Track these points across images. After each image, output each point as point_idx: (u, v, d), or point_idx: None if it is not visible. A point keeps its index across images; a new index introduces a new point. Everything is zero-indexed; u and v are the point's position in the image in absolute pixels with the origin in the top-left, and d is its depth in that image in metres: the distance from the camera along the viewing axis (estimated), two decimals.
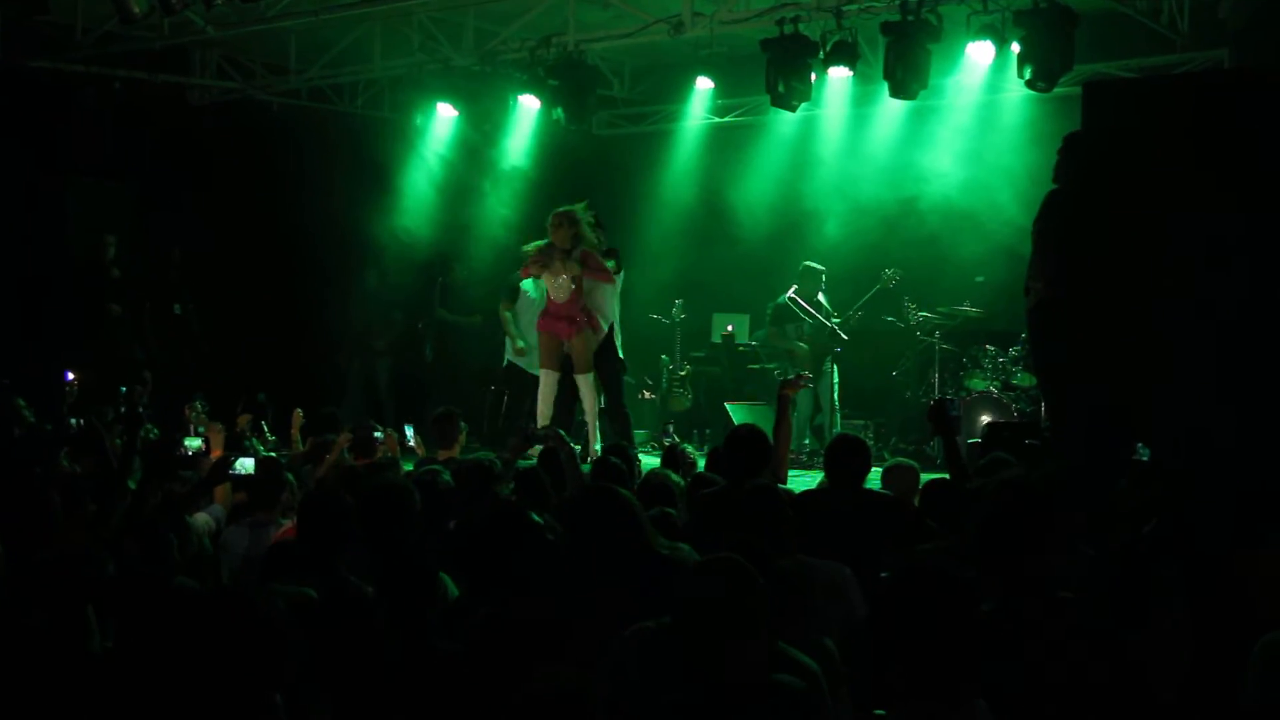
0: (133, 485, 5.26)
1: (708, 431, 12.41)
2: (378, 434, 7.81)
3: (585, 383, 9.74)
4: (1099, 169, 6.56)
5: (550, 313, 9.80)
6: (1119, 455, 6.34)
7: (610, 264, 9.93)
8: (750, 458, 5.39)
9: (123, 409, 7.46)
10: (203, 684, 2.60)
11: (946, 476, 5.63)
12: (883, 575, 5.05)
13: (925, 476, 6.45)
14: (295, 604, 3.20)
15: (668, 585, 3.97)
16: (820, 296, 11.57)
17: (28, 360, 10.78)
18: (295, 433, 8.58)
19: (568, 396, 9.91)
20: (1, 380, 8.52)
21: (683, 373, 12.70)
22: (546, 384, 9.70)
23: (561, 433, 6.91)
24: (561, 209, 9.74)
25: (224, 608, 2.69)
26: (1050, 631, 2.99)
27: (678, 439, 11.29)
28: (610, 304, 10.04)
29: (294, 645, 2.71)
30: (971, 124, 11.94)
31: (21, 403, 8.24)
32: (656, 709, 2.89)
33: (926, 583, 2.58)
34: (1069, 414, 6.43)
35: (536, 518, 4.08)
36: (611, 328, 10.04)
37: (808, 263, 11.65)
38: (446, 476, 5.50)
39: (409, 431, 8.39)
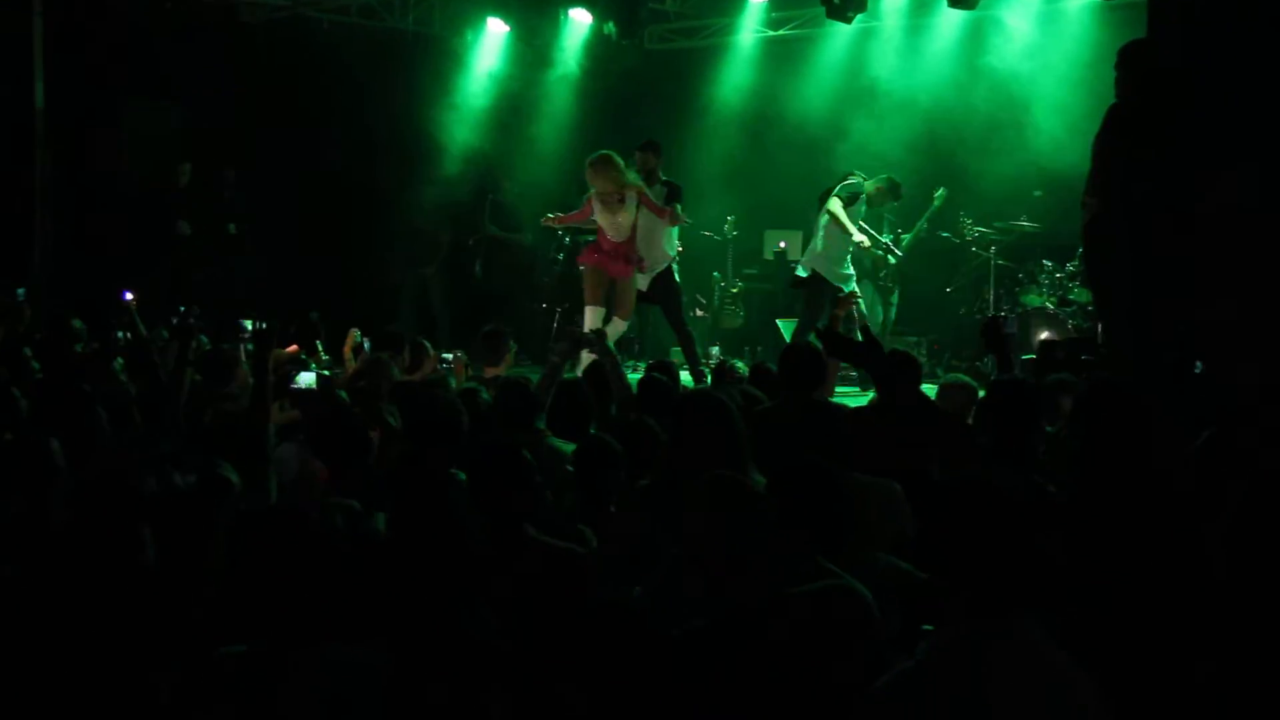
0: None
1: (759, 349, 12.34)
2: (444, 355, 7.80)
3: (616, 326, 9.60)
4: (1161, 79, 6.38)
5: (604, 250, 9.70)
6: (1174, 369, 6.24)
7: (679, 208, 9.81)
8: (804, 374, 5.33)
9: (174, 321, 7.52)
10: (254, 602, 2.62)
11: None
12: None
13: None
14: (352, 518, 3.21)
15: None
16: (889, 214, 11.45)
17: (87, 280, 10.92)
18: (348, 352, 8.62)
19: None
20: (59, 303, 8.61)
21: (735, 290, 12.62)
22: (591, 321, 9.59)
23: (609, 344, 6.90)
24: (591, 157, 9.57)
25: (274, 526, 2.70)
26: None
27: (724, 357, 11.26)
28: (671, 239, 9.94)
29: (350, 562, 2.72)
30: (1032, 35, 11.63)
31: (78, 323, 8.32)
32: (677, 640, 2.90)
33: (975, 495, 2.54)
34: (1124, 330, 6.32)
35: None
36: (672, 264, 9.97)
37: (855, 173, 11.46)
38: (485, 395, 5.49)
39: (448, 354, 8.39)
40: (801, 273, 10.45)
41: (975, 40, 11.96)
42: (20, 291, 8.63)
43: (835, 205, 10.12)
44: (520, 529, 3.74)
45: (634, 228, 9.58)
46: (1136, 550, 2.81)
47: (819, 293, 10.09)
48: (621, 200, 9.48)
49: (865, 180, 10.52)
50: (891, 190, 10.71)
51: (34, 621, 3.16)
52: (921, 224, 11.57)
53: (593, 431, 5.50)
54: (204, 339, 8.18)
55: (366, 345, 8.23)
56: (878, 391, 5.11)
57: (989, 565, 2.50)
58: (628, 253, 9.63)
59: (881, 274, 11.61)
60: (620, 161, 9.52)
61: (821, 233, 10.25)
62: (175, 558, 3.10)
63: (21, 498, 3.88)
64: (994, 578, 2.50)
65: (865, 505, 4.37)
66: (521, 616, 2.92)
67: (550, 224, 10.25)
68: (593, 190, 9.61)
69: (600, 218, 9.65)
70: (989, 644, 2.48)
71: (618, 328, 9.56)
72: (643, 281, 9.83)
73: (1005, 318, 5.39)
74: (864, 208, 10.61)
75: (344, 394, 6.49)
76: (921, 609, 3.67)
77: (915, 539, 4.43)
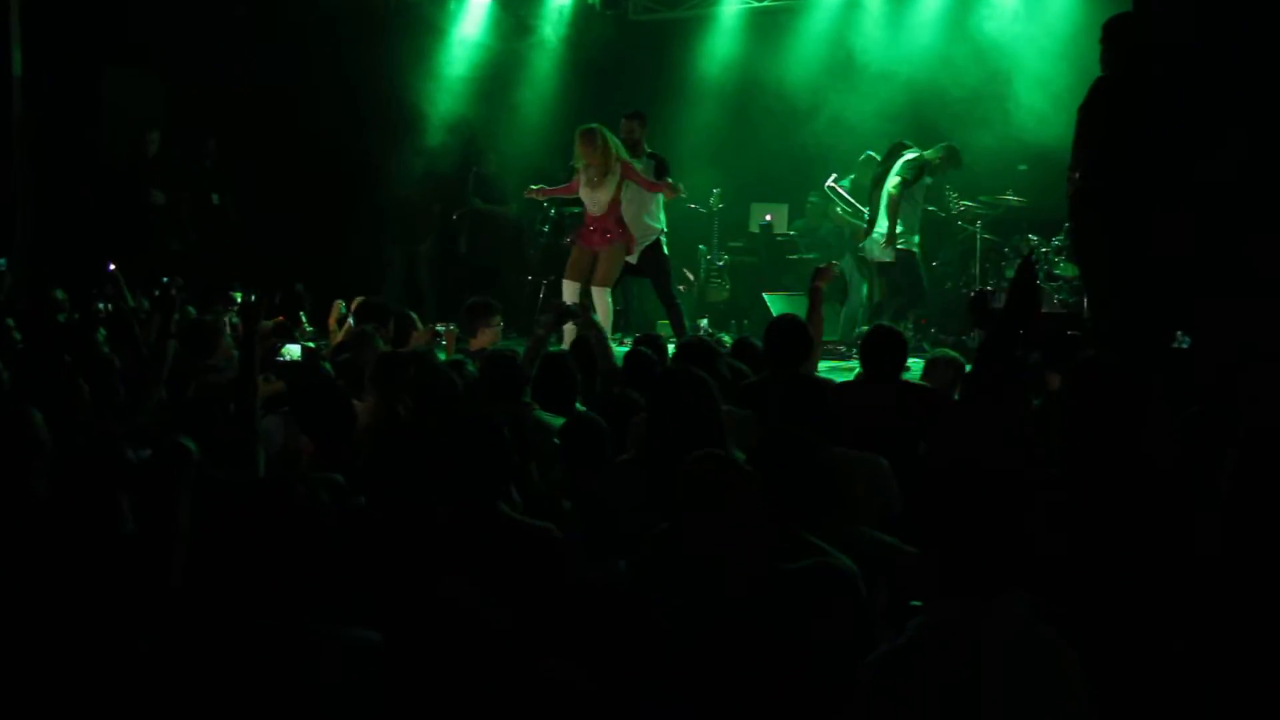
0: None
1: (745, 322, 12.33)
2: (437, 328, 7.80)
3: (601, 296, 9.57)
4: (1146, 53, 6.37)
5: (586, 226, 9.68)
6: (1159, 345, 6.26)
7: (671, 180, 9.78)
8: (790, 348, 5.33)
9: (156, 293, 7.46)
10: (239, 574, 2.60)
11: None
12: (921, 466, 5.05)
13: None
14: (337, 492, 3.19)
15: None
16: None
17: (70, 251, 10.84)
18: (333, 324, 8.59)
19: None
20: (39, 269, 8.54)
21: (720, 263, 12.59)
22: (568, 294, 9.55)
23: (594, 315, 6.88)
24: (584, 127, 9.53)
25: (260, 499, 2.68)
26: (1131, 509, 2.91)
27: (711, 330, 11.25)
28: (659, 212, 9.90)
29: (336, 536, 2.70)
30: (1017, 7, 11.60)
31: (60, 293, 8.28)
32: (670, 618, 2.89)
33: (964, 471, 2.54)
34: (1108, 305, 6.32)
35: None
36: (660, 237, 9.92)
37: (870, 152, 11.45)
38: (471, 368, 5.47)
39: (440, 327, 8.37)
40: (885, 257, 10.43)
41: (960, 13, 11.92)
42: (2, 262, 8.56)
43: (896, 186, 10.14)
44: (492, 507, 3.71)
45: (613, 203, 9.53)
46: (1123, 528, 2.82)
47: (915, 272, 10.18)
48: (605, 174, 9.43)
49: (924, 151, 10.49)
50: (951, 158, 10.68)
51: (15, 591, 3.14)
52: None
53: (579, 406, 5.50)
54: (192, 310, 8.14)
55: (351, 318, 8.19)
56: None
57: (980, 543, 2.50)
58: (605, 225, 9.59)
59: (861, 246, 11.60)
60: (609, 135, 9.47)
61: (887, 211, 10.29)
62: (146, 526, 3.08)
63: (3, 469, 3.85)
64: (985, 555, 2.50)
65: (851, 480, 4.38)
66: (493, 596, 2.91)
67: (534, 195, 10.21)
68: (580, 164, 9.56)
69: (583, 194, 9.62)
70: (980, 620, 2.48)
71: (601, 299, 9.52)
72: (633, 255, 9.80)
73: (993, 292, 5.38)
74: (929, 179, 10.58)
75: (328, 366, 6.48)
76: (908, 584, 3.69)
77: (903, 514, 4.45)
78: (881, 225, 10.44)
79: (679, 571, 3.17)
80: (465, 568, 3.40)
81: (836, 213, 11.81)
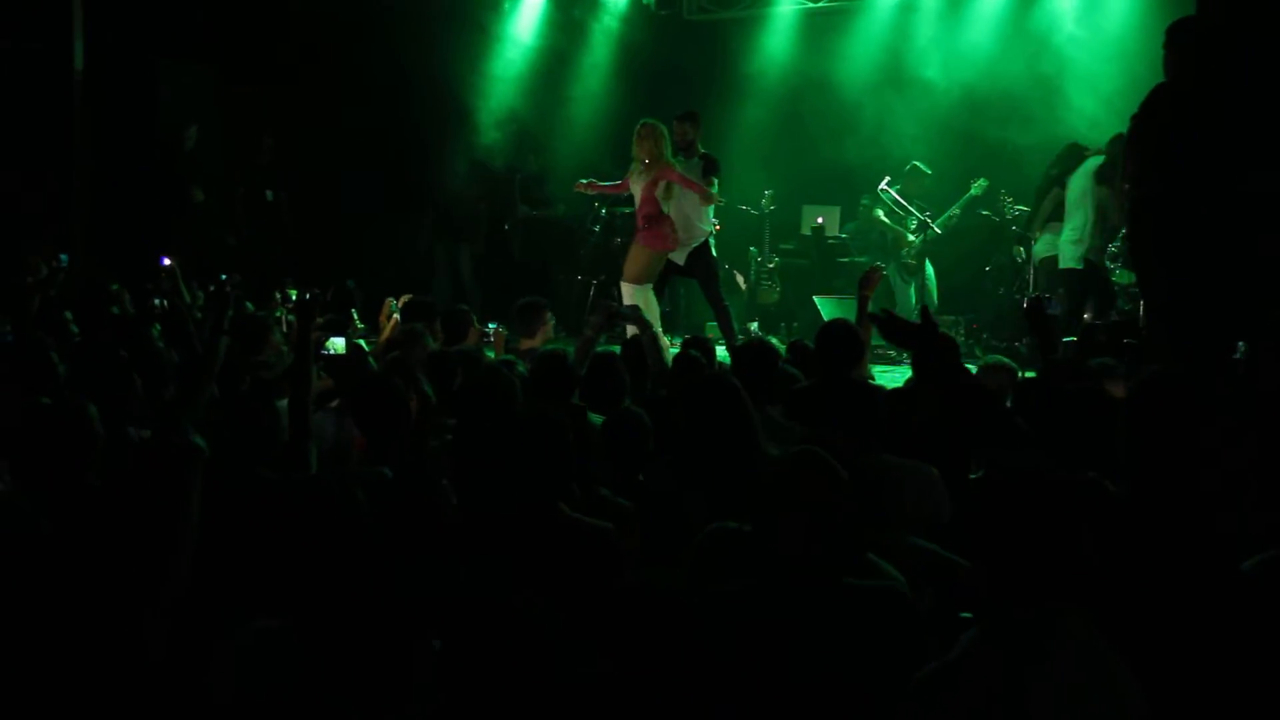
0: None
1: (795, 325, 12.28)
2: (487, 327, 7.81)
3: (627, 290, 9.55)
4: (1211, 60, 6.24)
5: (638, 225, 9.67)
6: (1217, 354, 6.13)
7: (714, 185, 9.70)
8: (842, 353, 5.28)
9: (211, 288, 7.50)
10: (283, 573, 2.60)
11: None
12: (971, 476, 4.98)
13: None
14: (370, 486, 3.18)
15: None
16: (918, 200, 11.36)
17: (127, 245, 10.95)
18: (384, 320, 8.61)
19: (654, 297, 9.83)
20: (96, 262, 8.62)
21: (771, 265, 12.53)
22: (629, 297, 9.50)
23: (645, 316, 6.85)
24: (647, 120, 9.53)
25: (304, 499, 2.68)
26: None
27: (761, 333, 11.20)
28: (707, 214, 9.83)
29: (375, 535, 2.70)
30: (1080, 8, 11.47)
31: (115, 286, 8.35)
32: (713, 600, 2.85)
33: (1018, 484, 2.48)
34: (1166, 315, 6.21)
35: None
36: (708, 239, 9.87)
37: (917, 163, 11.38)
38: (521, 368, 5.47)
39: (491, 327, 8.36)
40: (1075, 264, 9.97)
41: (1016, 15, 11.81)
42: (64, 258, 8.67)
43: (1089, 184, 9.77)
44: (554, 508, 3.71)
45: (646, 197, 9.49)
46: (1183, 551, 2.75)
47: (1106, 278, 9.86)
48: (647, 167, 9.44)
49: (1100, 153, 9.92)
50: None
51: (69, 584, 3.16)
52: (954, 210, 11.43)
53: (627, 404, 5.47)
54: (250, 305, 8.19)
55: (398, 315, 8.21)
56: (916, 377, 5.05)
57: (1037, 555, 2.45)
58: (640, 219, 9.59)
59: (904, 252, 11.53)
60: (666, 135, 9.47)
61: (1084, 214, 9.87)
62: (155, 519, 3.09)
63: (59, 461, 3.89)
64: (1041, 568, 2.45)
65: (900, 488, 4.34)
66: (555, 598, 2.89)
67: (583, 189, 10.18)
68: (635, 165, 9.57)
69: (633, 187, 9.63)
70: (1034, 635, 2.43)
71: (629, 295, 9.47)
72: (679, 256, 9.76)
73: (1048, 298, 5.30)
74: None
75: (373, 362, 6.49)
76: (957, 594, 3.64)
77: (953, 523, 4.40)
78: (1074, 230, 9.92)
79: (739, 572, 3.15)
80: (526, 567, 3.40)
81: (878, 217, 11.71)
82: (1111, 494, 2.97)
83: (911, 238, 11.35)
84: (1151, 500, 2.82)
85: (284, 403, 5.50)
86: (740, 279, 12.77)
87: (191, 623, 2.76)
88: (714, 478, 4.00)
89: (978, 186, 11.29)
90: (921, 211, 11.33)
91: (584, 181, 10.13)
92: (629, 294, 9.50)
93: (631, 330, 7.35)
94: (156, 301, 6.49)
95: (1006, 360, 6.45)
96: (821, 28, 13.01)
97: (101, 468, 3.83)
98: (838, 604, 2.80)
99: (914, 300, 11.30)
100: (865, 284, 6.44)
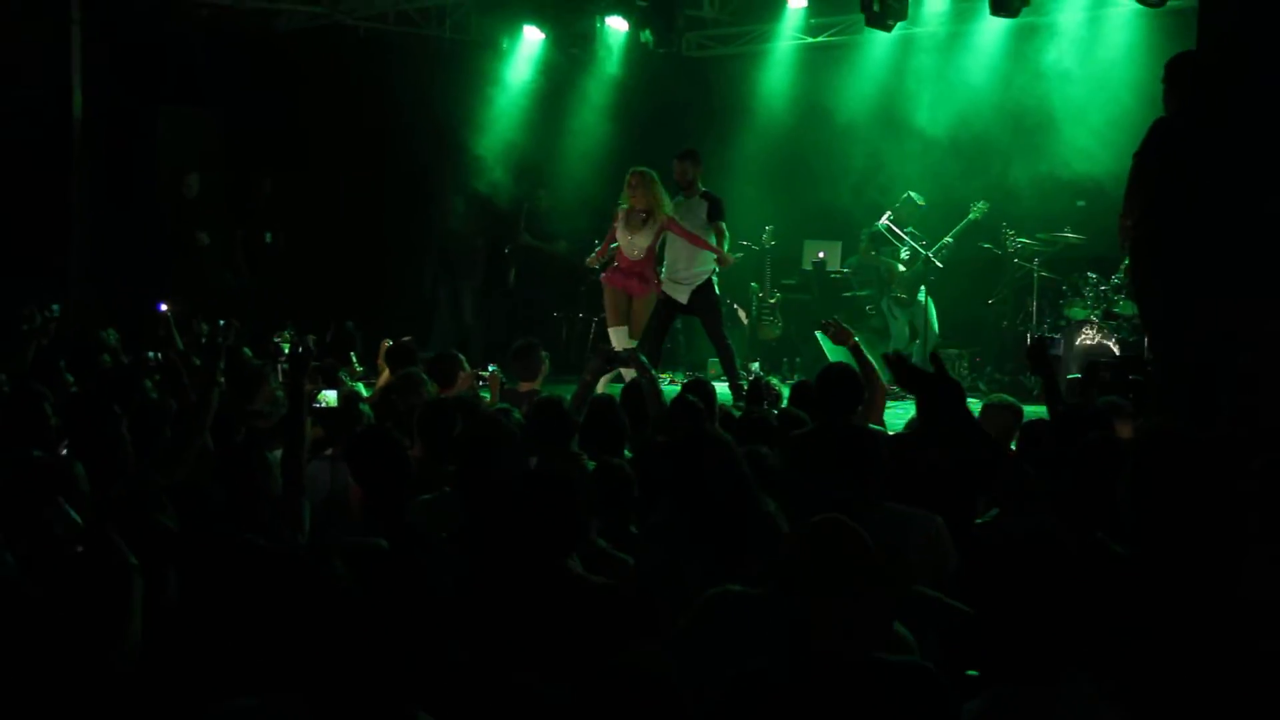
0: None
1: (798, 360, 12.23)
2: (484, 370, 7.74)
3: (623, 338, 9.49)
4: (1211, 95, 6.19)
5: (621, 268, 9.58)
6: (1221, 393, 6.05)
7: (725, 234, 9.61)
8: (842, 397, 5.20)
9: (203, 340, 7.44)
10: (264, 648, 2.52)
11: (1046, 416, 5.39)
12: (977, 521, 4.90)
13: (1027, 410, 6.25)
14: (363, 557, 3.09)
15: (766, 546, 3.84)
16: (910, 229, 11.30)
17: (124, 291, 10.91)
18: (382, 363, 8.55)
19: (656, 335, 9.75)
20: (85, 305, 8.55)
21: (772, 300, 12.48)
22: (617, 340, 9.46)
23: (643, 359, 6.77)
24: (639, 169, 9.47)
25: (285, 571, 2.60)
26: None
27: (761, 372, 11.13)
28: (708, 255, 9.73)
29: (358, 610, 2.60)
30: (1076, 43, 11.44)
31: (113, 335, 8.30)
32: (737, 678, 2.72)
33: (1025, 550, 2.39)
34: (1171, 356, 6.14)
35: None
36: (711, 277, 9.79)
37: (911, 194, 11.34)
38: (517, 415, 5.39)
39: (490, 369, 8.29)
40: None
41: (1017, 47, 11.77)
42: (55, 308, 8.62)
43: None
44: (562, 567, 3.61)
45: (650, 249, 9.46)
46: (1192, 610, 2.66)
47: None
48: (646, 220, 9.37)
49: None
50: None
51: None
52: (948, 239, 11.32)
53: (626, 454, 5.39)
54: (247, 351, 8.13)
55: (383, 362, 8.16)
56: (922, 420, 4.97)
57: (1041, 627, 2.37)
58: (643, 271, 9.51)
59: (892, 286, 11.48)
60: (659, 184, 9.41)
61: None
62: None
63: (44, 518, 3.81)
64: (1046, 639, 2.37)
65: (904, 538, 4.25)
66: (563, 664, 2.78)
67: (593, 264, 10.08)
68: (622, 205, 9.50)
69: (620, 236, 9.54)
70: (1042, 703, 2.35)
71: (621, 341, 9.41)
72: (682, 294, 9.68)
73: (1052, 339, 5.22)
74: None
75: (367, 409, 6.41)
76: (961, 646, 3.55)
77: (958, 575, 4.31)
78: None
79: (753, 639, 3.04)
80: (531, 633, 3.30)
81: (871, 254, 11.64)
82: (1118, 555, 2.88)
83: (901, 268, 11.28)
84: (1158, 559, 2.74)
85: (278, 454, 5.43)
86: (742, 314, 12.71)
87: (168, 699, 2.68)
88: (710, 542, 3.88)
89: (977, 210, 11.19)
90: (917, 241, 11.26)
91: (591, 259, 10.02)
92: (619, 338, 9.46)
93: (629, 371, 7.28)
94: (150, 355, 6.42)
95: (1010, 399, 6.36)
96: (821, 62, 13.00)
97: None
98: (869, 683, 2.64)
99: (907, 333, 11.23)
100: (838, 339, 6.38)
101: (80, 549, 2.77)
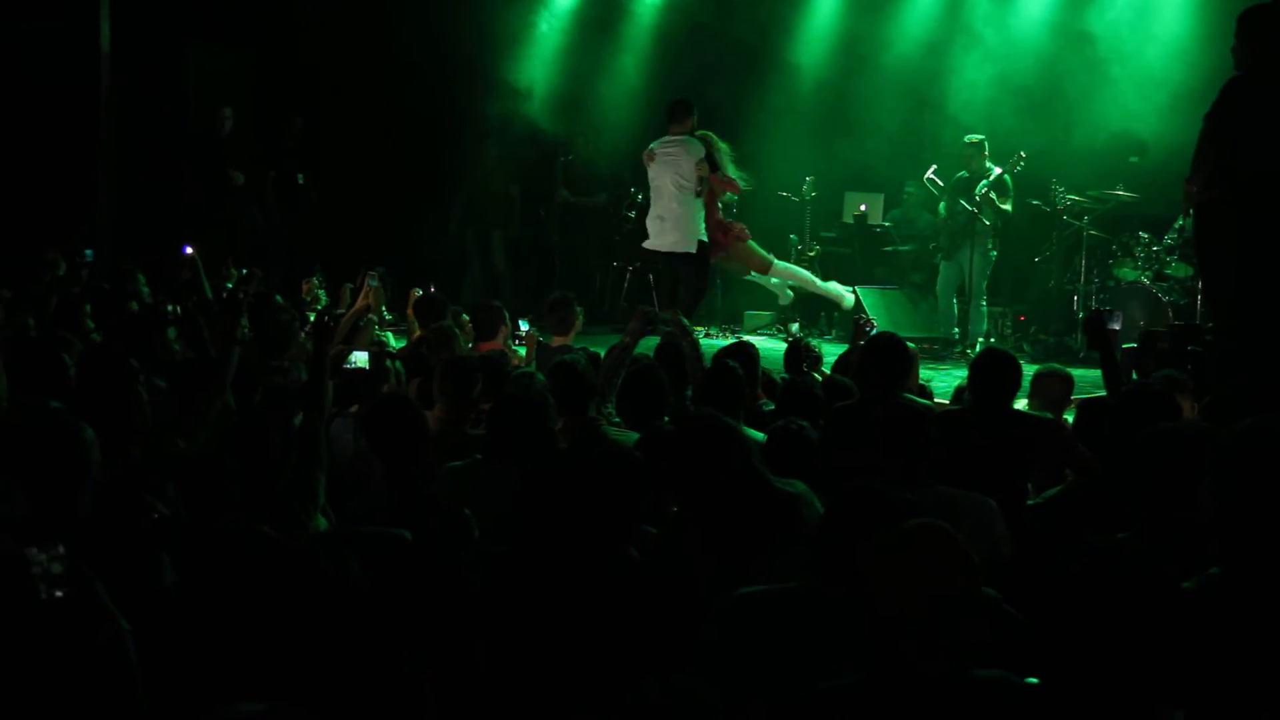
0: None
1: (835, 315, 11.94)
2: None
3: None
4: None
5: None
6: None
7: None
8: (889, 370, 4.95)
9: (227, 288, 7.24)
10: (270, 651, 2.33)
11: (1104, 394, 5.13)
12: (1030, 503, 4.67)
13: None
14: (383, 546, 2.89)
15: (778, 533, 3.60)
16: (992, 167, 10.81)
17: (153, 234, 10.74)
18: (411, 313, 8.38)
19: (671, 285, 9.54)
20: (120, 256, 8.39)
21: (811, 253, 12.15)
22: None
23: (685, 320, 6.53)
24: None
25: (294, 568, 2.40)
26: None
27: (800, 332, 10.87)
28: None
29: (369, 607, 2.41)
30: None
31: (141, 279, 8.13)
32: (812, 699, 2.48)
33: (1120, 580, 2.13)
34: (1238, 331, 5.85)
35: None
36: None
37: (968, 136, 10.92)
38: (541, 379, 5.19)
39: (524, 325, 8.08)
40: None
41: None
42: (89, 253, 8.45)
43: None
44: (624, 554, 3.37)
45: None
46: None
47: None
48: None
49: None
50: None
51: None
52: (983, 185, 10.85)
53: (665, 421, 5.16)
54: (279, 298, 7.95)
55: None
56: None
57: (1129, 662, 2.14)
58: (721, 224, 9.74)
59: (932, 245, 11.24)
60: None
61: None
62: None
63: (52, 485, 3.64)
64: (1137, 675, 2.14)
65: (955, 523, 4.02)
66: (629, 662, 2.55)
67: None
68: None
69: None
70: None
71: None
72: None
73: (1110, 312, 4.95)
74: None
75: (398, 365, 6.23)
76: (1020, 652, 3.34)
77: (1012, 559, 4.09)
78: None
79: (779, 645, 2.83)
80: (591, 627, 3.10)
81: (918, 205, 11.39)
82: (1196, 586, 2.56)
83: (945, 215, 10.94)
84: (1250, 580, 2.49)
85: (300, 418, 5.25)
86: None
87: (165, 701, 2.50)
88: (721, 542, 3.61)
89: (1013, 161, 10.70)
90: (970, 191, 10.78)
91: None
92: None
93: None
94: (170, 307, 6.23)
95: (1061, 368, 6.09)
96: (868, 7, 12.56)
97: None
98: (962, 703, 2.40)
99: (954, 280, 10.91)
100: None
101: (59, 594, 2.53)
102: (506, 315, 7.69)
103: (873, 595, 2.46)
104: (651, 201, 9.69)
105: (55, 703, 2.54)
